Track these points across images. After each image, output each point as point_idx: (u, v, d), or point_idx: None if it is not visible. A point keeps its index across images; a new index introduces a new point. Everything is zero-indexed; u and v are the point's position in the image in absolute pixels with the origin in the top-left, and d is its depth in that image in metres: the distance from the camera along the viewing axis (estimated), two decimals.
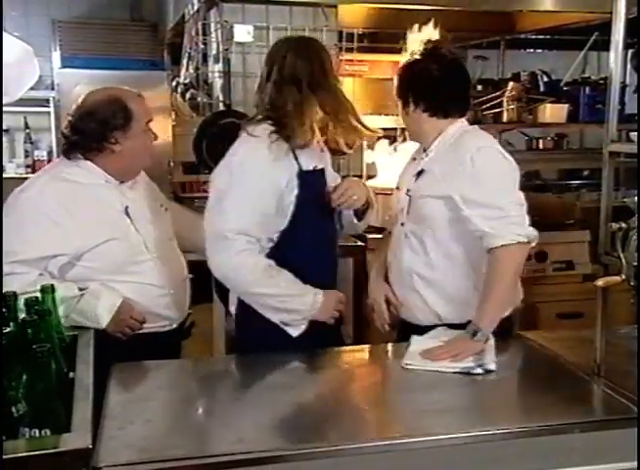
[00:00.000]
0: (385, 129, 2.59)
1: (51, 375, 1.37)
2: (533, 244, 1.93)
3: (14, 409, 1.34)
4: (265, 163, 1.96)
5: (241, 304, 2.09)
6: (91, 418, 1.38)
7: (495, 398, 1.69)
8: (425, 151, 2.09)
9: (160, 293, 2.15)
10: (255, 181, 1.96)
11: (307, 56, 2.01)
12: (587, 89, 4.11)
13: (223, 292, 3.37)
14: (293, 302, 2.00)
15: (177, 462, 1.34)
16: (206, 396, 1.75)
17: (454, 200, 1.91)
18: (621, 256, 1.62)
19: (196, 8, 3.27)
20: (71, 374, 1.57)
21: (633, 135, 1.65)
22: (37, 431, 1.32)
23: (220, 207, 1.99)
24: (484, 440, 1.46)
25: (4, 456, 1.22)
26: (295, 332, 2.02)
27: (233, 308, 2.14)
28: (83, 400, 1.44)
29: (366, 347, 2.23)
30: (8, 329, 1.48)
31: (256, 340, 2.05)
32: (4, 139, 5.02)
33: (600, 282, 1.67)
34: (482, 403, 1.66)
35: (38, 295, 1.63)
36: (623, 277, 1.63)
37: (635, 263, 1.61)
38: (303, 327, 2.02)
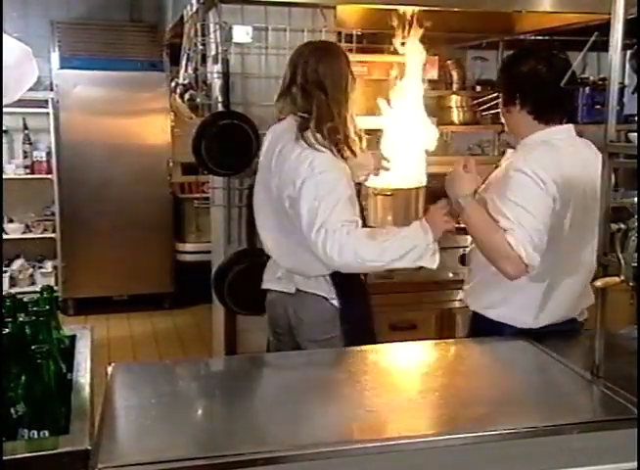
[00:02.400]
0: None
1: (49, 376, 1.37)
2: (529, 269, 1.95)
3: (12, 411, 1.34)
4: (340, 169, 2.18)
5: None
6: (90, 419, 1.38)
7: (493, 398, 1.69)
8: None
9: None
10: (340, 187, 2.14)
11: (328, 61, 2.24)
12: (586, 90, 4.11)
13: (222, 293, 3.38)
14: (407, 243, 2.10)
15: (177, 463, 1.34)
16: (206, 397, 1.75)
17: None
18: (620, 256, 1.62)
19: (195, 9, 3.27)
20: (70, 375, 1.57)
21: (632, 136, 1.65)
22: (36, 432, 1.32)
23: (320, 220, 2.11)
24: (482, 441, 1.46)
25: (3, 457, 1.22)
26: (432, 264, 2.11)
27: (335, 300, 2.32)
28: (82, 402, 1.44)
29: (362, 348, 2.22)
30: (6, 330, 1.48)
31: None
32: (3, 140, 5.01)
33: (599, 283, 1.67)
34: (480, 404, 1.66)
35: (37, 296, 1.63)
36: (622, 278, 1.62)
37: (634, 264, 1.61)
38: (437, 255, 2.12)
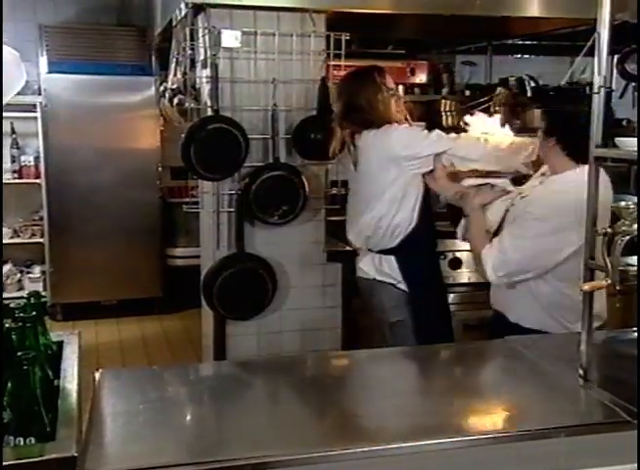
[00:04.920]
0: None
1: (36, 383, 1.36)
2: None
3: None
4: None
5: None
6: (77, 426, 1.37)
7: (482, 403, 1.69)
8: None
9: None
10: None
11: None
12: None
13: (211, 297, 3.39)
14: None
15: (165, 469, 1.33)
16: (195, 402, 1.75)
17: None
18: (607, 260, 1.63)
19: (183, 13, 3.26)
20: (57, 381, 1.56)
21: (618, 140, 1.67)
22: (22, 439, 1.31)
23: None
24: (472, 445, 1.46)
25: None
26: None
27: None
28: (69, 408, 1.43)
29: (354, 352, 2.23)
30: None
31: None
32: None
33: (586, 286, 1.68)
34: (469, 408, 1.66)
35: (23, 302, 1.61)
36: (609, 281, 1.63)
37: (621, 268, 1.62)
38: None
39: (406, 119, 2.83)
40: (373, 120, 2.73)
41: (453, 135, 2.81)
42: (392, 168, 2.70)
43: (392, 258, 2.81)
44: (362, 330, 3.29)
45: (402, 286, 2.80)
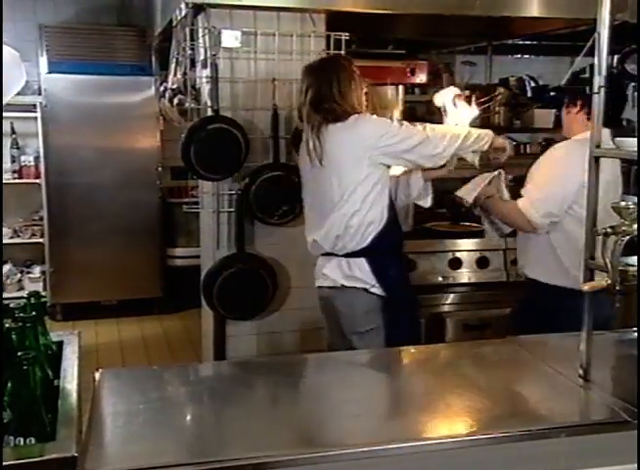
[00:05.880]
0: None
1: (36, 383, 1.36)
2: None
3: None
4: None
5: None
6: (77, 426, 1.37)
7: (482, 403, 1.69)
8: None
9: None
10: None
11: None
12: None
13: (211, 297, 3.38)
14: None
15: (165, 469, 1.33)
16: (195, 402, 1.74)
17: None
18: (607, 260, 1.63)
19: (183, 13, 3.26)
20: (57, 381, 1.56)
21: (618, 140, 1.67)
22: (22, 439, 1.31)
23: None
24: (471, 445, 1.46)
25: None
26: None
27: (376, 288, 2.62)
28: (69, 408, 1.43)
29: (350, 353, 2.23)
30: None
31: None
32: None
33: (586, 286, 1.68)
34: (470, 408, 1.66)
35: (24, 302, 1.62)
36: (609, 281, 1.63)
37: (621, 268, 1.62)
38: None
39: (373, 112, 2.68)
40: (343, 112, 2.54)
41: (419, 126, 2.63)
42: (365, 163, 2.53)
43: (363, 260, 2.60)
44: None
45: (376, 290, 2.60)
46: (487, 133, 2.71)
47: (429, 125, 2.63)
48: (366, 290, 2.60)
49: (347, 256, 2.62)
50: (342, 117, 2.54)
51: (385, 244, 2.61)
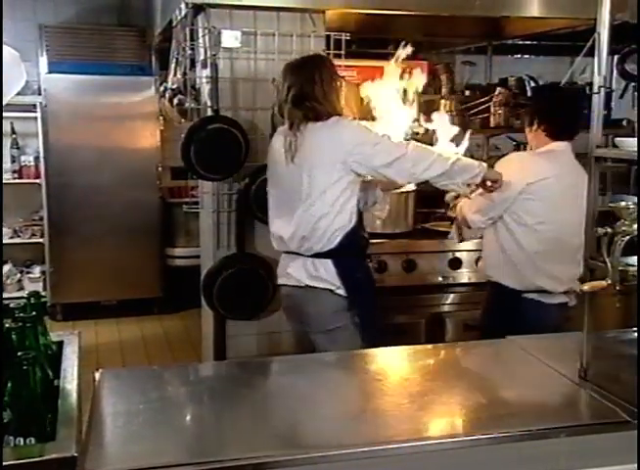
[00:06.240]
0: None
1: (36, 383, 1.36)
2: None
3: None
4: None
5: None
6: (77, 426, 1.37)
7: (482, 402, 1.69)
8: None
9: None
10: None
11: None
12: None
13: (211, 297, 3.38)
14: None
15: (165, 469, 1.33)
16: (195, 402, 1.75)
17: None
18: (607, 260, 1.63)
19: (183, 13, 3.26)
20: (57, 381, 1.56)
21: (618, 140, 1.67)
22: (22, 439, 1.31)
23: None
24: (471, 445, 1.46)
25: None
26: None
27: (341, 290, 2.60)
28: (69, 408, 1.43)
29: (351, 352, 2.23)
30: None
31: None
32: None
33: (586, 287, 1.68)
34: (469, 408, 1.67)
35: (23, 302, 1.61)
36: (609, 281, 1.63)
37: (621, 268, 1.62)
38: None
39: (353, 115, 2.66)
40: (325, 112, 2.52)
41: (402, 142, 2.61)
42: (338, 167, 2.50)
43: (329, 261, 2.57)
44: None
45: (341, 291, 2.58)
46: (480, 165, 2.62)
47: (414, 143, 2.58)
48: (331, 291, 2.58)
49: (313, 256, 2.59)
50: (324, 116, 2.52)
51: (351, 247, 2.59)
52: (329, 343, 2.58)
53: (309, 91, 2.52)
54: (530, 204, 2.67)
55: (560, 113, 2.76)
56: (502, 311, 2.76)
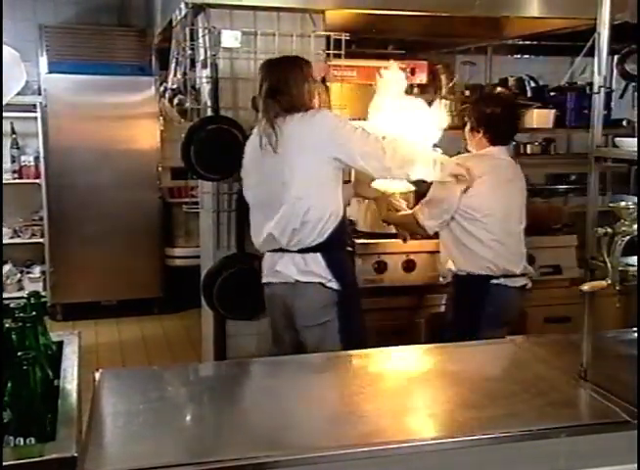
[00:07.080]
0: None
1: (36, 383, 1.36)
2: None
3: None
4: None
5: None
6: (77, 426, 1.37)
7: (481, 402, 1.69)
8: None
9: None
10: None
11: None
12: (574, 95, 4.14)
13: (211, 297, 3.38)
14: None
15: None
16: (195, 402, 1.75)
17: None
18: (607, 260, 1.63)
19: (183, 13, 3.27)
20: (57, 381, 1.56)
21: (618, 140, 1.67)
22: (22, 439, 1.31)
23: None
24: (471, 445, 1.46)
25: None
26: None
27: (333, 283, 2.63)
28: (69, 408, 1.43)
29: (351, 353, 2.22)
30: None
31: None
32: None
33: (586, 287, 1.68)
34: (469, 408, 1.66)
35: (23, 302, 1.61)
36: (609, 281, 1.63)
37: (621, 268, 1.62)
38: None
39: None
40: (298, 103, 2.56)
41: (377, 136, 2.61)
42: (320, 154, 2.53)
43: (318, 255, 2.59)
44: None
45: (332, 284, 2.60)
46: (449, 163, 2.80)
47: (390, 138, 2.63)
48: (322, 284, 2.60)
49: (301, 251, 2.60)
50: (299, 108, 2.55)
51: (339, 239, 2.65)
52: (318, 337, 2.62)
53: (282, 85, 2.57)
54: (473, 200, 2.87)
55: (501, 122, 2.99)
56: (471, 302, 2.92)
